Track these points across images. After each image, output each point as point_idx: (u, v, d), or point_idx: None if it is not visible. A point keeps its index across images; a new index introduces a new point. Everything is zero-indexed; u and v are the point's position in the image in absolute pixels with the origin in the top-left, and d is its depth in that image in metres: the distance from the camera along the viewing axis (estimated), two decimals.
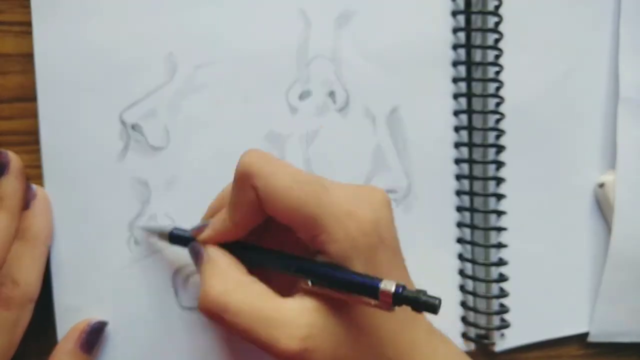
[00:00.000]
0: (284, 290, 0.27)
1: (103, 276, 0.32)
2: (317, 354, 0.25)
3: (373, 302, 0.24)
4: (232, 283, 0.26)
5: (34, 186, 0.31)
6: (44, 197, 0.31)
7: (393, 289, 0.23)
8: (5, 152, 0.30)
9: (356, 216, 0.25)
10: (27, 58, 0.32)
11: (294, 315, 0.25)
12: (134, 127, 0.32)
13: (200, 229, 0.29)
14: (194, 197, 0.32)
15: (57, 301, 0.32)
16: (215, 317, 0.26)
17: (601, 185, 0.39)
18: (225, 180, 0.32)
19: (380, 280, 0.24)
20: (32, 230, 0.30)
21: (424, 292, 0.23)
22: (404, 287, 0.23)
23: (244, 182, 0.26)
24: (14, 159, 0.30)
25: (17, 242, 0.30)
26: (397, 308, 0.24)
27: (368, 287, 0.24)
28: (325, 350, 0.25)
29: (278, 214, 0.26)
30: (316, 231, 0.25)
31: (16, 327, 0.30)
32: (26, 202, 0.31)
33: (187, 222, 0.32)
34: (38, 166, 0.32)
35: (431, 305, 0.23)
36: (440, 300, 0.23)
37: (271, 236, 0.29)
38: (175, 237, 0.30)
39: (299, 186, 0.25)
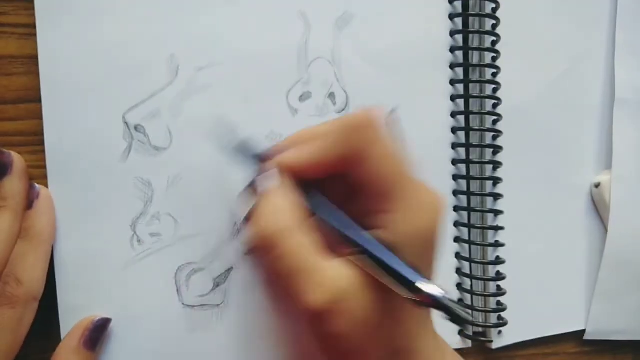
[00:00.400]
0: (336, 245, 0.27)
1: (106, 275, 0.32)
2: (337, 319, 0.25)
3: (412, 296, 0.24)
4: (291, 224, 0.26)
5: (37, 186, 0.31)
6: (47, 196, 0.32)
7: (437, 292, 0.24)
8: (8, 153, 0.31)
9: (429, 212, 0.26)
10: (31, 60, 0.32)
11: (331, 276, 0.25)
12: (137, 127, 0.33)
13: (280, 149, 0.28)
14: (196, 197, 0.33)
15: (61, 300, 0.32)
16: (263, 250, 0.26)
17: (597, 185, 0.39)
18: (226, 180, 0.33)
19: (428, 279, 0.24)
20: (36, 229, 0.31)
21: (462, 303, 0.24)
22: (446, 295, 0.24)
23: (357, 130, 0.26)
24: (17, 159, 0.31)
25: (21, 241, 0.30)
26: (426, 309, 0.24)
27: (411, 281, 0.24)
28: (347, 319, 0.25)
29: (367, 174, 0.26)
30: (390, 207, 0.25)
31: (20, 326, 0.30)
32: (29, 201, 0.31)
33: (190, 221, 0.33)
34: (42, 166, 0.32)
35: (462, 319, 0.23)
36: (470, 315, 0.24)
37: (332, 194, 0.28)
38: (244, 149, 0.29)
39: (400, 161, 0.26)
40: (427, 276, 0.25)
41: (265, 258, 0.26)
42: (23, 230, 0.30)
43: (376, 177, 0.26)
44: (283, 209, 0.26)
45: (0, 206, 0.30)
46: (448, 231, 0.37)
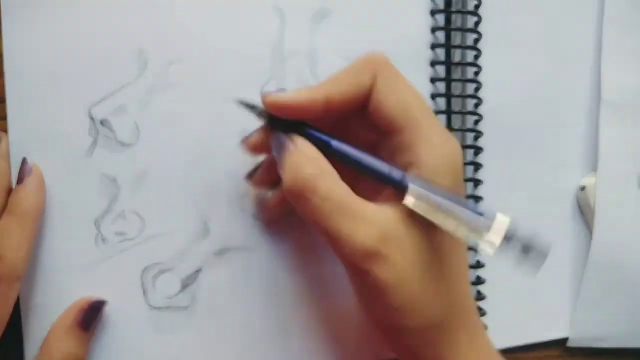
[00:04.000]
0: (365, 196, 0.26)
1: (70, 274, 0.31)
2: (386, 260, 0.24)
3: (492, 238, 0.24)
4: (323, 169, 0.26)
5: (30, 163, 0.31)
6: (39, 174, 0.31)
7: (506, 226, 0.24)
8: None
9: (452, 144, 0.26)
10: None
11: (379, 217, 0.25)
12: (103, 122, 0.32)
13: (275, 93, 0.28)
14: (164, 195, 0.32)
15: (23, 299, 0.31)
16: (302, 197, 0.25)
17: (582, 189, 0.39)
18: (194, 178, 0.32)
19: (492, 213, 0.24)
20: (24, 206, 0.30)
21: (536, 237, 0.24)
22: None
23: (367, 67, 0.26)
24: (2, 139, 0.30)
25: (7, 216, 0.29)
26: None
27: (479, 216, 0.24)
28: (396, 261, 0.24)
29: (387, 109, 0.26)
30: (417, 139, 0.26)
31: (5, 303, 0.29)
32: (20, 178, 0.30)
33: (157, 220, 0.32)
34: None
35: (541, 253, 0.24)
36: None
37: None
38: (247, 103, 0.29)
39: (416, 93, 0.27)
40: None
41: (307, 204, 0.25)
42: (10, 204, 0.30)
43: (396, 110, 0.26)
44: (315, 155, 0.26)
45: None
46: None
